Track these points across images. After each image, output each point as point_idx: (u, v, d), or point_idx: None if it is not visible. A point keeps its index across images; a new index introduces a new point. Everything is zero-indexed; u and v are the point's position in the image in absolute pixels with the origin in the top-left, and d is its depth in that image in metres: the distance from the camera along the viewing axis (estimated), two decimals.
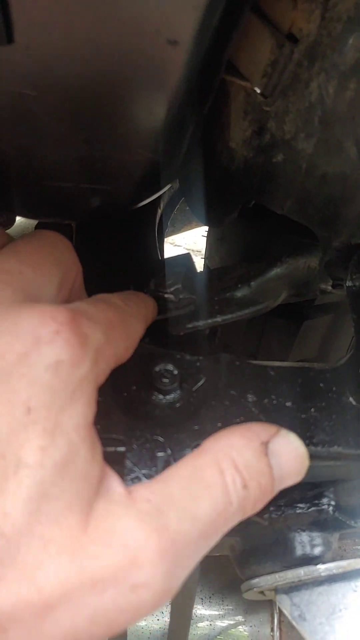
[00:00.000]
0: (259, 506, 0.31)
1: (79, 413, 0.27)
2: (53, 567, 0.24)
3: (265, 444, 0.31)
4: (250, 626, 0.66)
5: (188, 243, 2.22)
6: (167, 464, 0.33)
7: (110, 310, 0.33)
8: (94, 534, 0.25)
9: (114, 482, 0.28)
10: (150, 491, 0.28)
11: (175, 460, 0.33)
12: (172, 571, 0.26)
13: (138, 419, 0.35)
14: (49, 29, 0.28)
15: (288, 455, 0.32)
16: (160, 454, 0.33)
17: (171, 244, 2.23)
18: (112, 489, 0.28)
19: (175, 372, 0.37)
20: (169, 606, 0.60)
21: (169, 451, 0.33)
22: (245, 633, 0.65)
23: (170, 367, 0.37)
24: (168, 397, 0.37)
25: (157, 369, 0.37)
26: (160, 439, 0.34)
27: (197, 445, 0.33)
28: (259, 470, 0.30)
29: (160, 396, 0.37)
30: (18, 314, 0.27)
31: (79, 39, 0.29)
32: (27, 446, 0.25)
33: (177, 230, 1.00)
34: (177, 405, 0.36)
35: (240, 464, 0.30)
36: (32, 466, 0.24)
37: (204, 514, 0.28)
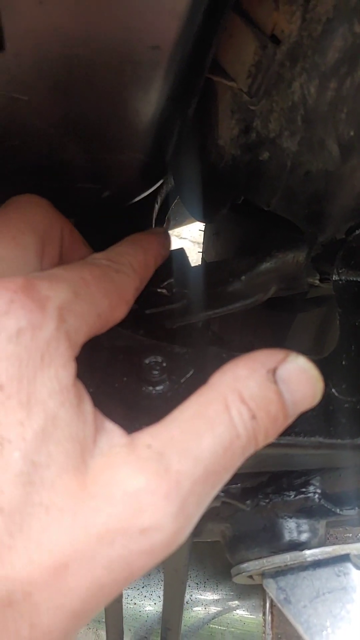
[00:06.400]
0: (273, 435, 0.30)
1: (52, 377, 0.26)
2: (57, 528, 0.24)
3: (273, 371, 0.30)
4: (243, 610, 0.68)
5: (194, 236, 2.22)
6: None
7: (85, 269, 0.32)
8: (93, 488, 0.26)
9: (113, 435, 0.28)
10: (151, 436, 0.28)
11: None
12: (180, 511, 0.26)
13: (128, 409, 0.36)
14: (38, 37, 0.29)
15: (298, 379, 0.30)
16: None
17: (177, 236, 2.24)
18: (110, 442, 0.28)
19: (164, 364, 0.38)
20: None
21: None
22: (239, 617, 0.67)
23: (159, 359, 0.38)
24: (157, 388, 0.38)
25: (147, 361, 0.38)
26: None
27: None
28: (267, 399, 0.29)
29: (150, 387, 0.38)
30: None
31: (66, 46, 0.30)
32: (7, 423, 0.25)
33: (179, 223, 1.01)
34: (166, 396, 0.38)
35: (246, 395, 0.29)
36: (14, 441, 0.25)
37: (208, 451, 0.27)
